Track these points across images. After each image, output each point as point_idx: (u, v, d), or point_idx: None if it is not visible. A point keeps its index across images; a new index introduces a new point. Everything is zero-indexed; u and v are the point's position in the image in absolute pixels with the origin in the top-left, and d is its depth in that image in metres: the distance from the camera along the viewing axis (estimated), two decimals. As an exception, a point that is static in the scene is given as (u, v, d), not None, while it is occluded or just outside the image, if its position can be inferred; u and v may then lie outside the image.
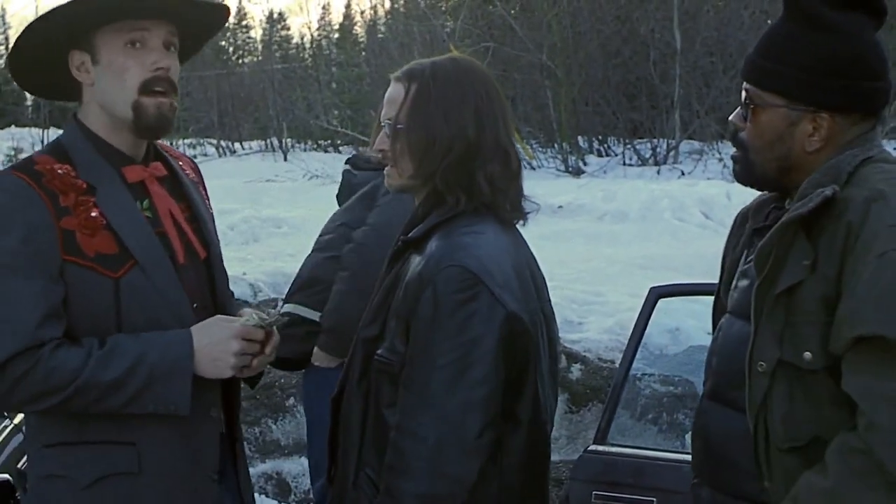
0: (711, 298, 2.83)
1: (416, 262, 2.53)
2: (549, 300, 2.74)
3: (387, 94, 2.65)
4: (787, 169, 2.46)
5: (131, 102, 2.55)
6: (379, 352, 2.54)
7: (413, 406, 2.44)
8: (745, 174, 2.54)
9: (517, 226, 2.71)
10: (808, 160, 2.43)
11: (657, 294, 4.45)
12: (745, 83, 2.50)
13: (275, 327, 2.68)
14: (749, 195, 2.67)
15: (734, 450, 2.53)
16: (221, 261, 2.81)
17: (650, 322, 4.52)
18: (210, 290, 2.73)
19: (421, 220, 2.61)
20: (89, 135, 2.61)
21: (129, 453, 2.54)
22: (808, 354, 2.29)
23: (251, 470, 6.45)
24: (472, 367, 2.42)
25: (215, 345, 2.52)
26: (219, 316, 2.62)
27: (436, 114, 2.56)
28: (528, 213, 2.68)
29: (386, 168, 2.66)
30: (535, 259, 2.73)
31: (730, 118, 2.56)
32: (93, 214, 2.49)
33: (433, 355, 2.42)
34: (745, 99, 2.49)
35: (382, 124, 2.65)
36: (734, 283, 2.62)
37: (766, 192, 2.62)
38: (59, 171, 2.50)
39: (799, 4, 2.42)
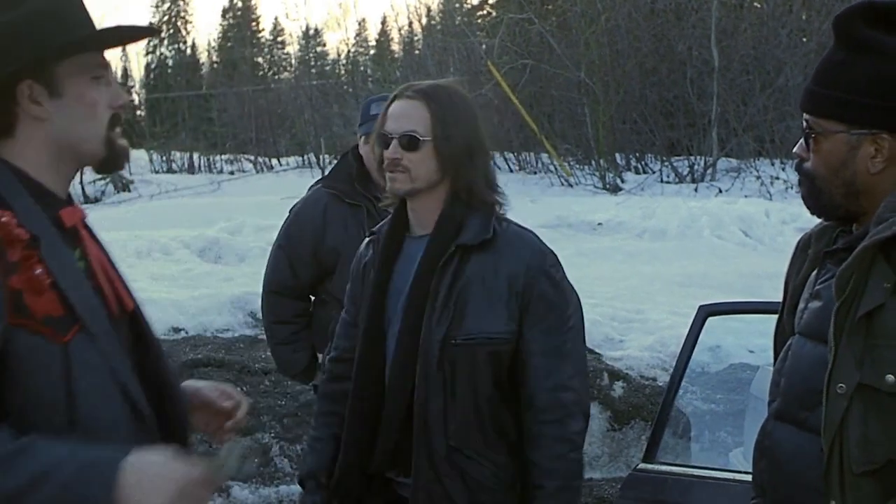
0: (757, 317, 2.82)
1: (486, 258, 3.03)
2: None
3: (397, 109, 3.07)
4: (855, 194, 2.46)
5: (103, 138, 2.33)
6: (484, 334, 3.01)
7: (559, 367, 3.05)
8: (813, 204, 2.55)
9: None
10: (873, 183, 2.43)
11: (706, 312, 4.42)
12: (804, 114, 2.51)
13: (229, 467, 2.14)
14: (787, 214, 2.67)
15: (800, 470, 2.52)
16: (144, 311, 2.45)
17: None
18: (144, 346, 2.37)
19: (459, 223, 3.05)
20: (22, 176, 2.25)
21: None
22: (890, 377, 2.26)
23: (293, 487, 6.51)
24: (580, 326, 3.14)
25: (152, 481, 1.99)
26: (169, 452, 2.07)
27: (458, 126, 3.04)
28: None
29: (391, 174, 3.05)
30: None
31: (794, 150, 2.59)
32: (37, 272, 2.14)
33: (563, 323, 3.07)
34: (806, 128, 2.50)
35: (392, 136, 3.03)
36: (803, 304, 2.61)
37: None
38: (3, 218, 2.13)
39: (847, 30, 2.44)
